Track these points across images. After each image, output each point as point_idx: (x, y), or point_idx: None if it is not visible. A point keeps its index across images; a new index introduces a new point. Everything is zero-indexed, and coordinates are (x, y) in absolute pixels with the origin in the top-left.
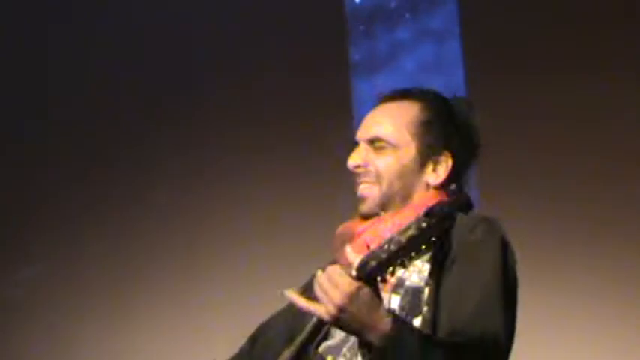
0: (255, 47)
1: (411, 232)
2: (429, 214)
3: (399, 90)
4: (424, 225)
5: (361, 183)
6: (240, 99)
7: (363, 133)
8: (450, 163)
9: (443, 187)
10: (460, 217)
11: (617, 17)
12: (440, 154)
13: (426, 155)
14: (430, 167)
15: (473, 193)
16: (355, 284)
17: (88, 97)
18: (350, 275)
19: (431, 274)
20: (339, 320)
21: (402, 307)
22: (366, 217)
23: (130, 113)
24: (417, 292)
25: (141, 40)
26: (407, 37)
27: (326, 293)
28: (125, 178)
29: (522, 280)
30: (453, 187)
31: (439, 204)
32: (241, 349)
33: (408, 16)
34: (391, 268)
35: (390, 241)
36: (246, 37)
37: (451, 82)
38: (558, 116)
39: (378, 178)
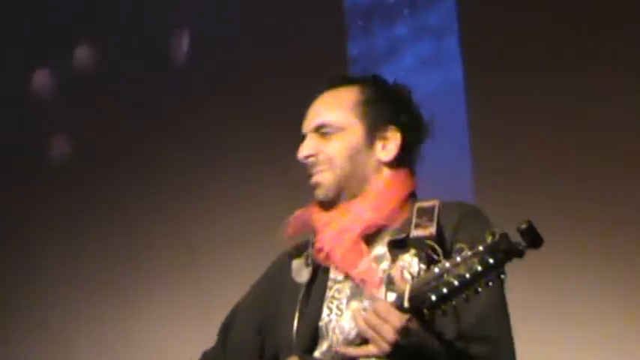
0: (253, 43)
1: (476, 267)
2: (493, 247)
3: (336, 77)
4: (491, 261)
5: (313, 172)
6: (239, 96)
7: (307, 125)
8: (398, 138)
9: (396, 163)
10: (442, 204)
11: (616, 14)
12: (386, 130)
13: (373, 133)
14: (379, 144)
15: (469, 188)
16: (405, 318)
17: (89, 97)
18: (398, 308)
19: (430, 257)
20: (392, 355)
21: (418, 286)
22: (323, 204)
23: (131, 112)
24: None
25: (140, 40)
26: (405, 32)
27: (377, 331)
28: (124, 177)
29: (520, 278)
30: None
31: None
32: (214, 347)
33: (406, 11)
34: (453, 302)
35: (447, 271)
36: (244, 32)
37: (450, 77)
38: (557, 112)
39: (330, 163)
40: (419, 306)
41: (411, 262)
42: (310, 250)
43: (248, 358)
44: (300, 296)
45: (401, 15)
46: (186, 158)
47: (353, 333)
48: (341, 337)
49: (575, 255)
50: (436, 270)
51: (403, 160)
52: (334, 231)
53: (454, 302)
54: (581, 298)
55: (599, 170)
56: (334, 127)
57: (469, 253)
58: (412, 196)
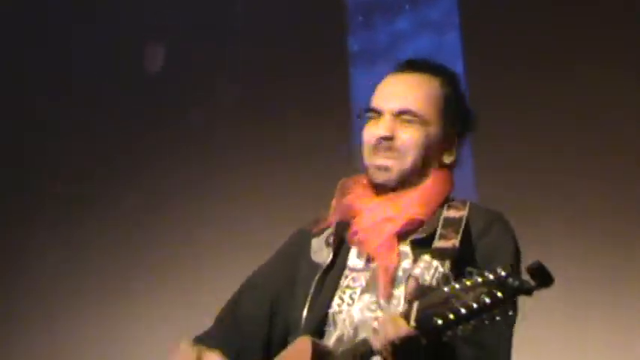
0: (254, 39)
1: (484, 299)
2: (504, 281)
3: (418, 61)
4: (499, 295)
5: (383, 157)
6: (240, 90)
7: (389, 104)
8: (459, 142)
9: (449, 165)
10: (474, 211)
11: (618, 12)
12: (455, 134)
13: (447, 133)
14: (447, 145)
15: (470, 184)
16: (413, 332)
17: (88, 97)
18: (408, 322)
19: (447, 276)
20: (384, 355)
21: (425, 306)
22: (371, 188)
23: (132, 112)
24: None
25: (139, 39)
26: (406, 28)
27: (384, 327)
28: (125, 176)
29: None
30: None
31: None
32: (224, 314)
33: (407, 7)
34: (461, 327)
35: (456, 296)
36: (245, 28)
37: None
38: (558, 108)
39: (405, 152)
40: (425, 327)
41: (431, 263)
42: (333, 230)
43: (257, 328)
44: (316, 279)
45: (402, 10)
46: (188, 157)
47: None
48: (351, 330)
49: (577, 253)
50: (445, 289)
51: (452, 166)
52: (376, 218)
53: (460, 328)
54: (583, 298)
55: (601, 167)
56: (419, 117)
57: (479, 280)
58: (447, 198)
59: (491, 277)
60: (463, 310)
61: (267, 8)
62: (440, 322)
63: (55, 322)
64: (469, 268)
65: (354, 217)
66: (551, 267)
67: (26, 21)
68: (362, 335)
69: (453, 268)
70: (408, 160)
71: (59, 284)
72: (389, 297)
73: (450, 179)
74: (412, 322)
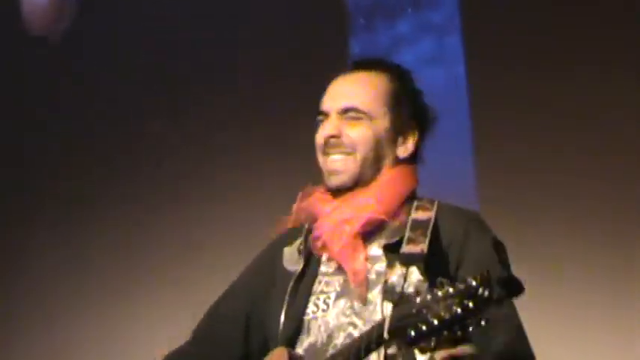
0: (255, 40)
1: (456, 309)
2: (475, 292)
3: (365, 60)
4: (471, 306)
5: (333, 154)
6: (241, 93)
7: (333, 104)
8: (416, 135)
9: (407, 160)
10: (443, 210)
11: (619, 12)
12: (409, 126)
13: (398, 127)
14: (401, 140)
15: (472, 185)
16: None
17: (90, 96)
18: (381, 337)
19: (422, 281)
20: None
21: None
22: (329, 192)
23: (132, 111)
24: (407, 299)
25: (139, 37)
26: (408, 30)
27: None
28: (127, 176)
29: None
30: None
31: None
32: (199, 329)
33: (409, 9)
34: (432, 339)
35: (428, 307)
36: (246, 30)
37: (452, 75)
38: (559, 109)
39: (353, 148)
40: (399, 338)
41: (400, 269)
42: (303, 238)
43: (233, 341)
44: (290, 287)
45: (403, 12)
46: (189, 158)
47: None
48: (325, 336)
49: (577, 253)
50: (417, 300)
51: (413, 158)
52: (335, 221)
53: (433, 339)
54: (583, 298)
55: (601, 167)
56: (365, 113)
57: (450, 291)
58: (412, 195)
59: (461, 287)
60: (435, 322)
61: (267, 10)
62: (413, 333)
63: (55, 322)
64: (440, 279)
65: (314, 222)
66: (551, 267)
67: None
68: (336, 340)
69: (422, 273)
70: (358, 158)
71: (59, 284)
72: (364, 301)
73: (411, 175)
74: (385, 335)
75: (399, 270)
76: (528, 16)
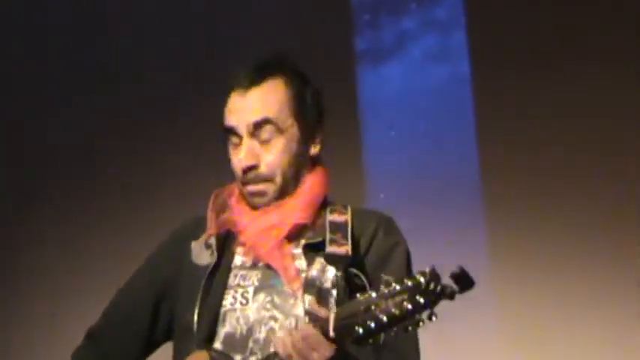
0: (259, 38)
1: (406, 305)
2: (425, 288)
3: (258, 71)
4: (422, 301)
5: (252, 184)
6: None
7: (243, 117)
8: (322, 134)
9: (317, 161)
10: (353, 214)
11: (626, 11)
12: (316, 127)
13: (308, 131)
14: (310, 142)
15: (476, 183)
16: (334, 347)
17: (89, 95)
18: (324, 335)
19: (338, 277)
20: None
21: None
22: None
23: (132, 110)
24: (326, 293)
25: (139, 35)
26: (413, 27)
27: (304, 356)
28: (128, 175)
29: (526, 276)
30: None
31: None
32: (94, 332)
33: (414, 5)
34: (382, 335)
35: (376, 304)
36: (251, 27)
37: (457, 72)
38: (564, 107)
39: (273, 174)
40: (345, 337)
41: (326, 267)
42: (216, 236)
43: (137, 334)
44: (203, 281)
45: (408, 9)
46: (190, 158)
47: (272, 349)
48: (245, 328)
49: (577, 253)
50: (362, 299)
51: (321, 158)
52: (261, 228)
53: (381, 337)
54: (583, 298)
55: (606, 166)
56: (275, 126)
57: (397, 288)
58: (325, 199)
59: (410, 283)
60: (385, 318)
61: (272, 7)
62: (361, 331)
63: (55, 322)
64: (385, 277)
65: (237, 231)
66: (552, 267)
67: (25, 20)
68: (257, 334)
69: (345, 274)
70: (279, 180)
71: (59, 285)
72: (297, 295)
73: (326, 179)
74: (331, 333)
75: (318, 265)
76: (533, 14)
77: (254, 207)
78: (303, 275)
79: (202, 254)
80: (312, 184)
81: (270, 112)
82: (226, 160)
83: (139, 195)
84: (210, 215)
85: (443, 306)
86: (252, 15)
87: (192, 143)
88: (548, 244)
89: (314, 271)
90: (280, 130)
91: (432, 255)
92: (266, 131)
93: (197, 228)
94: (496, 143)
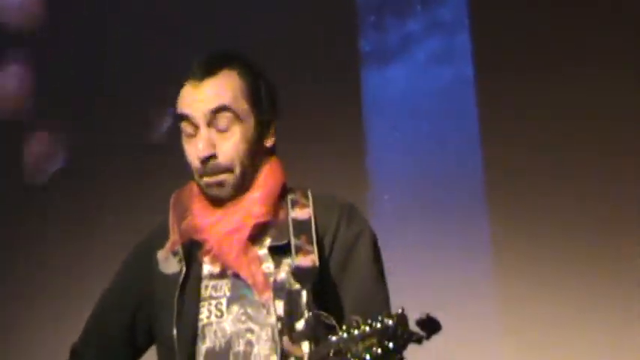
0: (264, 39)
1: (376, 350)
2: (394, 332)
3: (209, 62)
4: (391, 346)
5: (211, 176)
6: None
7: (199, 105)
8: (275, 124)
9: (271, 151)
10: (317, 205)
11: (629, 12)
12: (270, 117)
13: (264, 122)
14: (266, 132)
15: (479, 184)
16: None
17: (88, 95)
18: None
19: (307, 290)
20: None
21: (287, 313)
22: (209, 201)
23: (135, 109)
24: (296, 295)
25: (139, 33)
26: (417, 29)
27: None
28: (125, 177)
29: (528, 276)
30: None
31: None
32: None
33: (418, 7)
34: None
35: (347, 348)
36: (254, 29)
37: (461, 74)
38: (568, 109)
39: (231, 164)
40: None
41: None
42: (181, 245)
43: (120, 347)
44: (177, 293)
45: (413, 11)
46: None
47: None
48: (223, 341)
49: (584, 251)
50: (333, 340)
51: (275, 148)
52: (222, 233)
53: None
54: (583, 298)
55: (610, 167)
56: (233, 112)
57: (367, 330)
58: (284, 188)
59: (379, 326)
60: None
61: (275, 8)
62: None
63: (56, 322)
64: (354, 317)
65: (200, 235)
66: (552, 267)
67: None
68: (236, 347)
69: (313, 286)
70: (237, 171)
71: (59, 285)
72: (268, 305)
73: (281, 168)
74: None
75: (286, 267)
76: (537, 16)
77: (215, 202)
78: (272, 280)
79: (169, 262)
80: (268, 174)
81: (227, 99)
82: None
83: (140, 195)
84: (171, 224)
85: (446, 306)
86: (256, 16)
87: None
88: (550, 244)
89: (282, 274)
90: (238, 118)
91: (436, 255)
92: (224, 118)
93: (162, 235)
94: (499, 144)
